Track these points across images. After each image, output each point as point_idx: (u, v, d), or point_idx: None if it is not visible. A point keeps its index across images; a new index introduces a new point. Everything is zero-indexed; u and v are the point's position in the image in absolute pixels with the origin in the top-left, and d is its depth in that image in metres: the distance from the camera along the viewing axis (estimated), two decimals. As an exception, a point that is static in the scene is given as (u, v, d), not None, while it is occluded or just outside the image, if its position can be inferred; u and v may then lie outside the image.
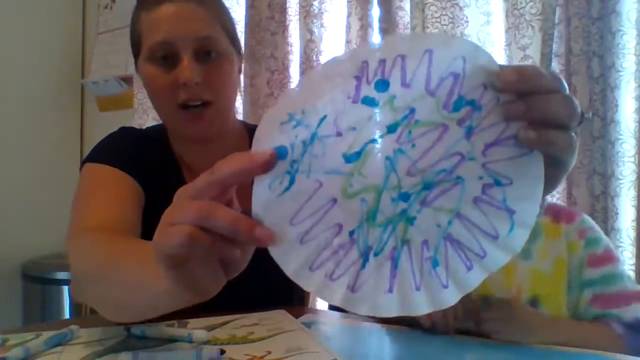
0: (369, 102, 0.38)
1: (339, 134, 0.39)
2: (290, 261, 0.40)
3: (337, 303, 0.40)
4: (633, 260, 1.22)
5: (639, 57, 1.22)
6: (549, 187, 0.41)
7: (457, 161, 0.38)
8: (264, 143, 0.39)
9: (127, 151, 0.84)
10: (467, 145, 0.38)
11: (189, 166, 0.88)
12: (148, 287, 0.45)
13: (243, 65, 0.93)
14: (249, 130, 0.94)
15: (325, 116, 0.39)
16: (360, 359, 0.61)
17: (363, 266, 0.40)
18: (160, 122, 0.89)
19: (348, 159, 0.39)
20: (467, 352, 0.65)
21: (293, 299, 0.94)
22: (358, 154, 0.39)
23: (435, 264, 0.40)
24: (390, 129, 0.38)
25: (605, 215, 1.25)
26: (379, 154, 0.39)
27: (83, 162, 0.83)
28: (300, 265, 0.40)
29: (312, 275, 0.40)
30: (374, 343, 0.68)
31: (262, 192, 0.39)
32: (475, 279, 0.39)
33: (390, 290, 0.40)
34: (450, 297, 0.39)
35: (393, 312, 0.40)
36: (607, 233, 1.25)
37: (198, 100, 0.77)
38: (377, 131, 0.39)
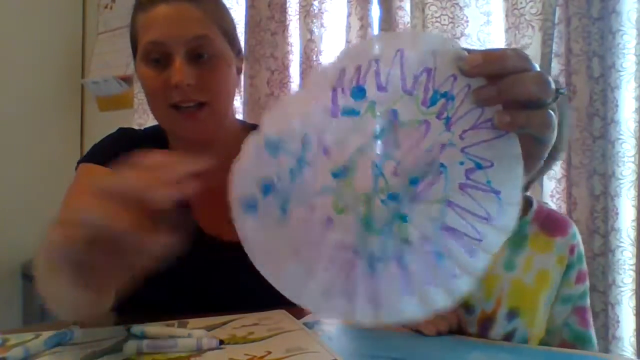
0: (350, 112, 0.38)
1: (326, 152, 0.39)
2: (305, 296, 0.39)
3: (366, 324, 0.39)
4: (633, 261, 1.22)
5: (639, 57, 1.22)
6: (532, 164, 0.42)
7: (438, 150, 0.39)
8: (246, 175, 0.39)
9: (122, 152, 0.83)
10: (448, 135, 0.39)
11: None
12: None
13: (243, 65, 0.93)
14: (249, 130, 0.93)
15: (306, 135, 0.38)
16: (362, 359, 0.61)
17: (373, 276, 0.39)
18: None
19: (336, 175, 0.39)
20: (468, 354, 0.65)
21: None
22: (346, 168, 0.39)
23: (439, 256, 0.39)
24: (376, 135, 0.39)
25: (605, 215, 1.25)
26: (366, 162, 0.39)
27: (78, 162, 0.84)
28: (315, 298, 0.39)
29: (331, 302, 0.39)
30: (376, 343, 0.68)
31: (255, 232, 0.39)
32: (480, 263, 0.39)
33: (407, 293, 0.39)
34: (463, 285, 0.39)
35: (418, 314, 0.39)
36: (607, 233, 1.25)
37: (191, 102, 0.76)
38: (363, 140, 0.38)
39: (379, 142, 0.39)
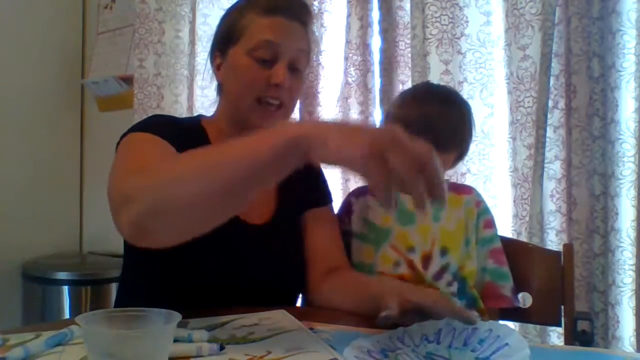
0: None
1: None
2: None
3: None
4: (633, 261, 1.22)
5: (639, 57, 1.22)
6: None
7: None
8: None
9: (167, 129, 0.88)
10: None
11: None
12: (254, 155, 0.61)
13: None
14: None
15: None
16: None
17: None
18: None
19: None
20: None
21: (293, 301, 0.96)
22: None
23: None
24: None
25: (605, 215, 1.25)
26: None
27: (124, 135, 0.86)
28: None
29: None
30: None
31: None
32: None
33: None
34: None
35: None
36: (607, 233, 1.25)
37: (277, 100, 0.89)
38: None
39: None
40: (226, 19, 0.95)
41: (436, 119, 0.97)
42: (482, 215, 1.03)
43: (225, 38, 0.92)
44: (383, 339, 0.63)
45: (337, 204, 1.08)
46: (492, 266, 1.00)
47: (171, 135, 0.84)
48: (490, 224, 1.03)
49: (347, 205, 1.08)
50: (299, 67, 0.90)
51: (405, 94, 1.13)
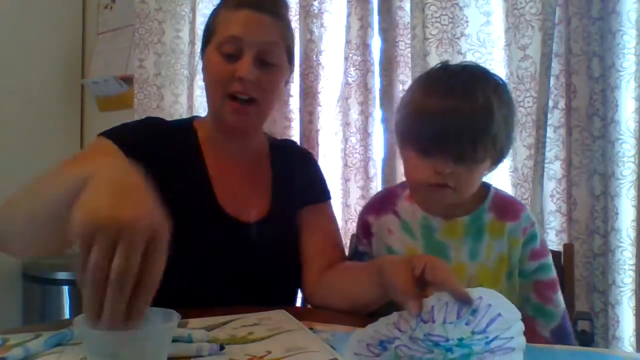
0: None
1: None
2: None
3: None
4: (633, 261, 1.22)
5: (639, 57, 1.22)
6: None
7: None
8: None
9: (142, 134, 0.89)
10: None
11: (214, 155, 0.94)
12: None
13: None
14: (271, 145, 1.02)
15: None
16: None
17: None
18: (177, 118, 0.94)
19: None
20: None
21: (292, 301, 0.96)
22: None
23: None
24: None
25: (605, 215, 1.25)
26: None
27: (101, 134, 0.87)
28: None
29: None
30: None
31: None
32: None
33: None
34: None
35: None
36: (607, 233, 1.25)
37: (245, 95, 0.86)
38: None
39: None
40: (207, 20, 0.95)
41: (455, 129, 0.76)
42: (529, 244, 0.87)
43: (204, 38, 0.94)
44: (380, 327, 0.62)
45: (335, 203, 1.08)
46: (535, 302, 0.87)
47: (147, 140, 0.86)
48: (538, 253, 0.88)
49: (365, 225, 0.94)
50: (269, 61, 0.87)
51: (415, 89, 0.87)
